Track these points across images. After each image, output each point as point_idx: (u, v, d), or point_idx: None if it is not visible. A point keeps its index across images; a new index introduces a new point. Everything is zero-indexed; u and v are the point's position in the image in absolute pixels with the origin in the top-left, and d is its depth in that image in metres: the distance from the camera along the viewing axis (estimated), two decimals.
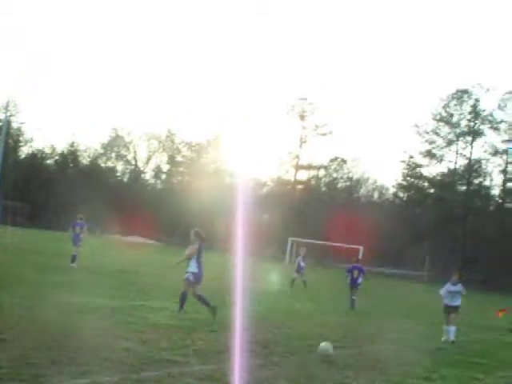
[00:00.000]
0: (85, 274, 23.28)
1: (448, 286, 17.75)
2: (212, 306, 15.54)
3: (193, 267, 15.98)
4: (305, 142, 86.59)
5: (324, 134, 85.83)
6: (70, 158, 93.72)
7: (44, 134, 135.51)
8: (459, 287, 17.64)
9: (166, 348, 11.05)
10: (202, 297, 15.83)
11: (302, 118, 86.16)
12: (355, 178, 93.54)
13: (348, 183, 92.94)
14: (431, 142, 78.12)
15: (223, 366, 9.95)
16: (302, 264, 32.21)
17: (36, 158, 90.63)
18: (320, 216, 69.56)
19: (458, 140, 77.30)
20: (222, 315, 15.11)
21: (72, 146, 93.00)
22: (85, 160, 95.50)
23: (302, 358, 12.10)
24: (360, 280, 24.50)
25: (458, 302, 17.66)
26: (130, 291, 19.34)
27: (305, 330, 15.83)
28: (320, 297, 28.45)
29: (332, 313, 21.67)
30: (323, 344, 12.27)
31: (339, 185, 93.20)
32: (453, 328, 17.06)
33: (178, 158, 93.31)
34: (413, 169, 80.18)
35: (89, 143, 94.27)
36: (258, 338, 13.46)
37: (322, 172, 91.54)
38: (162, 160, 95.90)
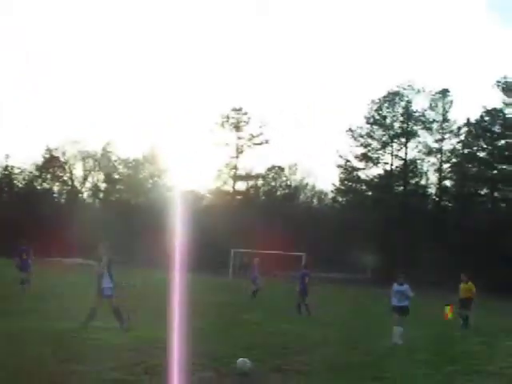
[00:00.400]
0: (33, 300, 22.79)
1: (395, 287, 17.86)
2: (124, 325, 15.83)
3: (107, 282, 16.08)
4: (241, 152, 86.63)
5: (260, 144, 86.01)
6: (4, 181, 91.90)
7: None
8: (405, 287, 17.73)
9: (114, 367, 10.87)
10: (117, 308, 16.07)
11: (238, 128, 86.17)
12: (294, 184, 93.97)
13: (287, 191, 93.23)
14: (366, 145, 78.90)
15: (173, 381, 9.82)
16: (257, 274, 32.38)
17: None
18: (261, 225, 69.66)
19: (392, 142, 78.23)
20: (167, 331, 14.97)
21: (6, 169, 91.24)
22: (20, 183, 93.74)
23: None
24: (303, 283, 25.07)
25: (405, 302, 17.68)
26: (74, 313, 19.01)
27: (254, 340, 15.78)
28: (270, 306, 28.45)
29: (279, 321, 21.65)
30: (240, 360, 11.51)
31: (278, 193, 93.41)
32: (400, 329, 17.03)
33: (115, 176, 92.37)
34: (350, 173, 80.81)
35: (23, 166, 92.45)
36: (206, 350, 13.36)
37: (260, 181, 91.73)
38: (98, 178, 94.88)
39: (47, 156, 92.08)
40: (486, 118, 74.04)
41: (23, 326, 15.22)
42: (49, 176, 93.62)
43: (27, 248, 27.29)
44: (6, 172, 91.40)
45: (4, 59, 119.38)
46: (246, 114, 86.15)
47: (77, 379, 9.75)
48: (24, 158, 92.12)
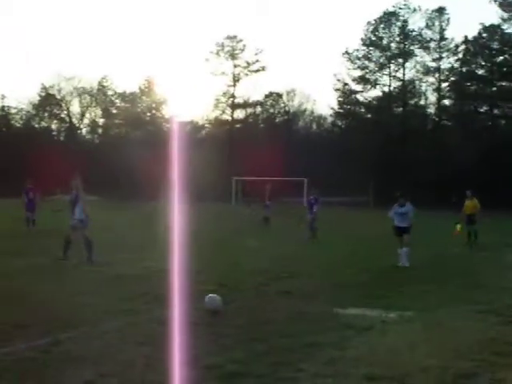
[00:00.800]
0: (41, 238, 23.00)
1: (396, 208, 17.40)
2: (92, 257, 16.15)
3: (79, 214, 16.60)
4: (238, 80, 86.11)
5: (256, 71, 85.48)
6: (2, 122, 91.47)
7: None
8: (407, 208, 17.31)
9: (124, 298, 11.08)
10: (90, 241, 16.38)
11: (233, 56, 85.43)
12: (292, 111, 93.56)
13: (285, 117, 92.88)
14: (363, 68, 78.21)
15: (183, 308, 10.00)
16: (268, 202, 32.69)
17: None
18: (261, 152, 69.58)
19: (389, 63, 77.52)
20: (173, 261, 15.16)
21: (3, 110, 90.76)
22: (17, 123, 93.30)
23: (258, 292, 12.26)
24: (316, 208, 25.79)
25: (407, 222, 17.19)
26: (81, 247, 19.20)
27: (257, 266, 15.98)
28: (274, 231, 28.72)
29: (283, 246, 21.89)
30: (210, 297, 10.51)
31: (277, 120, 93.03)
32: (405, 249, 16.82)
33: (113, 110, 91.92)
34: (348, 96, 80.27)
35: (19, 105, 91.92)
36: (212, 277, 13.58)
37: (258, 109, 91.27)
38: (96, 114, 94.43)
39: (43, 94, 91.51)
40: (484, 35, 73.07)
41: (34, 263, 15.45)
42: (46, 114, 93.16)
43: (33, 188, 27.35)
44: (3, 112, 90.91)
45: None
46: (240, 41, 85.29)
47: (90, 311, 9.94)
48: (20, 98, 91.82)
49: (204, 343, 8.10)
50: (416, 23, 76.40)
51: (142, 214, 36.93)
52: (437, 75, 76.44)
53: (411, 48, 76.70)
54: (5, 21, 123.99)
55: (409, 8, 75.83)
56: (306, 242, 23.94)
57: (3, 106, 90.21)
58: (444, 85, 76.92)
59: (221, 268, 15.30)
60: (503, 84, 73.86)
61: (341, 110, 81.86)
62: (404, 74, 77.28)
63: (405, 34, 76.28)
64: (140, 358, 7.34)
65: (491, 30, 72.59)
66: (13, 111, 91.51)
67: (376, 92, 79.95)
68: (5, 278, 13.18)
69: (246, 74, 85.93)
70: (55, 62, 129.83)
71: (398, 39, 77.05)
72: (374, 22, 77.47)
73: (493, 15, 77.74)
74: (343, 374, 6.86)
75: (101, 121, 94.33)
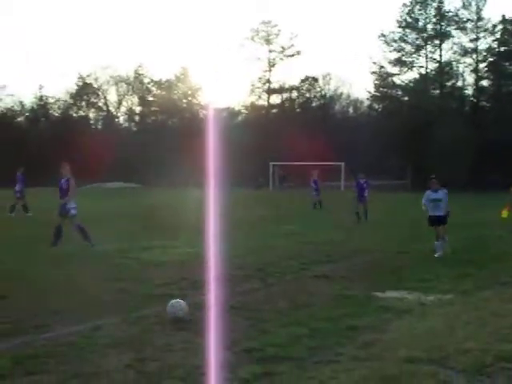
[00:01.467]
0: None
1: (429, 194, 15.75)
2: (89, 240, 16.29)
3: (73, 202, 16.67)
4: (273, 65, 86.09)
5: (292, 55, 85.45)
6: (40, 112, 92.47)
7: (10, 91, 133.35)
8: (441, 194, 15.63)
9: (162, 284, 11.14)
10: (82, 227, 16.56)
11: (268, 41, 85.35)
12: (328, 95, 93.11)
13: (322, 101, 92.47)
14: (400, 50, 77.44)
15: (221, 292, 10.02)
16: (314, 186, 33.22)
17: (6, 117, 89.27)
18: (297, 137, 69.36)
19: (426, 44, 76.69)
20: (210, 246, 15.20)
21: (41, 99, 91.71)
22: (56, 112, 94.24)
23: (296, 276, 12.25)
24: (367, 192, 26.41)
25: (442, 211, 15.58)
26: (119, 234, 19.35)
27: (297, 250, 15.98)
28: (312, 216, 28.65)
29: (320, 231, 21.82)
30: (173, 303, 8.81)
31: (313, 104, 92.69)
32: (441, 242, 15.46)
33: (149, 98, 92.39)
34: (384, 79, 79.62)
35: (57, 95, 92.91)
36: (250, 262, 13.60)
37: (294, 93, 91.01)
38: (133, 102, 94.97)
39: (80, 84, 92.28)
40: None
41: (70, 251, 15.60)
42: (83, 103, 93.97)
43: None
44: (41, 102, 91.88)
45: None
46: (275, 26, 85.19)
47: (127, 297, 10.03)
48: (58, 88, 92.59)
49: (243, 327, 8.11)
50: (452, 3, 76.06)
51: (179, 201, 37.09)
52: (474, 56, 75.45)
53: (448, 29, 75.73)
54: (40, 13, 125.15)
55: None
56: (354, 224, 24.30)
57: (41, 96, 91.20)
58: (482, 65, 75.92)
59: (259, 253, 15.31)
60: None
61: (377, 94, 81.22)
62: (441, 56, 76.43)
63: (441, 14, 75.31)
64: (178, 343, 7.38)
65: None
66: (51, 101, 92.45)
67: (413, 74, 79.34)
68: (42, 266, 13.33)
69: (281, 59, 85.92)
70: (91, 52, 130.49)
71: (434, 20, 76.15)
72: (409, 3, 76.63)
73: None
74: (382, 357, 6.82)
75: (137, 109, 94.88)
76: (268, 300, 9.86)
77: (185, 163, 59.45)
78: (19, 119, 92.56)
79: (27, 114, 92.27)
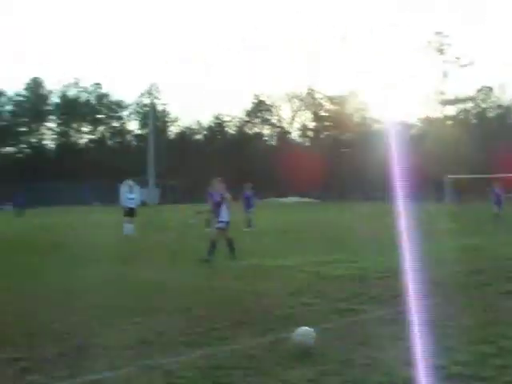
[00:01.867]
0: (255, 237, 23.77)
1: None
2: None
3: (225, 217, 16.76)
4: (447, 76, 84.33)
5: (465, 65, 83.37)
6: (217, 130, 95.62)
7: (188, 111, 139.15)
8: None
9: (341, 299, 11.07)
10: (232, 241, 16.92)
11: (441, 52, 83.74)
12: (505, 104, 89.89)
13: (499, 111, 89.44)
14: None
15: (400, 309, 9.82)
16: (495, 198, 32.24)
17: (185, 136, 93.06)
18: (474, 149, 67.36)
19: None
20: (390, 261, 14.95)
21: (218, 118, 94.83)
22: (231, 130, 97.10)
23: (480, 292, 11.79)
24: None
25: None
26: (296, 249, 19.50)
27: (477, 264, 15.40)
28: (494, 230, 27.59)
29: (507, 245, 20.89)
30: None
31: (489, 114, 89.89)
32: None
33: (322, 113, 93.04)
34: None
35: (232, 113, 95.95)
36: (431, 277, 13.25)
37: (469, 104, 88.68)
38: (306, 117, 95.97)
39: (255, 101, 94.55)
40: None
41: (250, 264, 15.89)
42: (258, 120, 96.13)
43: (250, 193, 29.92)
44: (218, 121, 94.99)
45: None
46: (447, 36, 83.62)
47: (307, 310, 10.04)
48: (233, 107, 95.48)
49: (426, 344, 7.89)
50: None
51: (360, 214, 37.00)
52: None
53: None
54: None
55: None
56: None
57: (218, 115, 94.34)
58: None
59: (438, 267, 14.90)
60: None
61: None
62: None
63: None
64: (361, 358, 7.27)
65: None
66: (226, 118, 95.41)
67: None
68: (222, 280, 13.65)
69: (455, 69, 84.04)
70: (266, 70, 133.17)
71: None
72: None
73: None
74: None
75: (311, 124, 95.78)
76: (454, 317, 9.54)
77: (362, 176, 59.16)
78: (197, 137, 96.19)
79: (205, 133, 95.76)
